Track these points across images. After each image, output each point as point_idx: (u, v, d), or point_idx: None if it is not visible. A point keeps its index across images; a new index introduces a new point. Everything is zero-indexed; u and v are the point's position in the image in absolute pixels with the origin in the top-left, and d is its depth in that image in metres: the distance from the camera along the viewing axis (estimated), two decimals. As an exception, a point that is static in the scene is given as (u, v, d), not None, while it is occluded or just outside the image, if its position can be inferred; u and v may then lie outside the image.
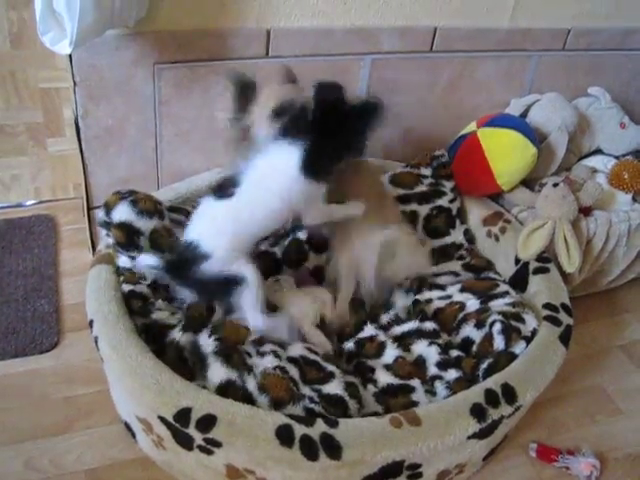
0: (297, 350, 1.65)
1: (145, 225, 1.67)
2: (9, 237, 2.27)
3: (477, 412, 1.47)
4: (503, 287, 1.91)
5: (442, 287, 1.94)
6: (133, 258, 1.66)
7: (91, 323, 1.55)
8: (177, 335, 1.57)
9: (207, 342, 1.55)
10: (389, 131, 2.27)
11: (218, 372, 1.49)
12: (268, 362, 1.55)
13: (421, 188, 2.12)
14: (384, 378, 1.65)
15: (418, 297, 1.90)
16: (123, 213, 1.64)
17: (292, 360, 1.59)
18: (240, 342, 1.59)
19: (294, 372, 1.55)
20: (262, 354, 1.58)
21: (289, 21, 1.92)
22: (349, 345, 1.75)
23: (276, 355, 1.58)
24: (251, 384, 1.49)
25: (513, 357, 1.65)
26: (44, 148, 2.45)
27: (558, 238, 1.95)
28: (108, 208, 1.66)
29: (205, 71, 1.91)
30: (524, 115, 2.31)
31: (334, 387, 1.55)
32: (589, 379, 2.08)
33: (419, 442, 1.40)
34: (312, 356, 1.64)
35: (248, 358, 1.56)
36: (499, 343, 1.69)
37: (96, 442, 1.68)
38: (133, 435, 1.68)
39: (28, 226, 2.33)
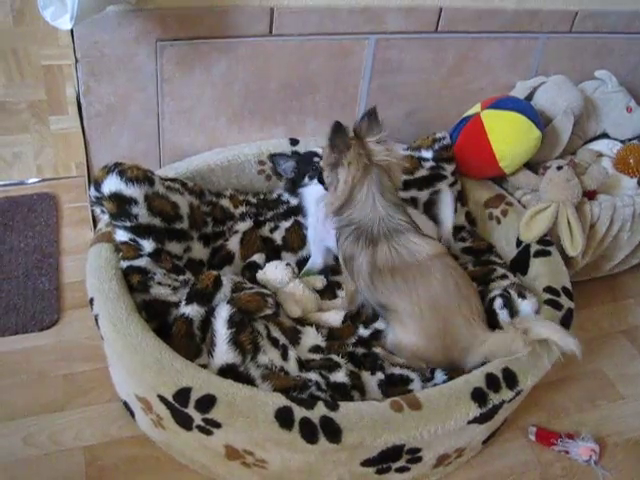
0: (309, 340, 1.69)
1: (136, 192, 1.64)
2: (11, 214, 2.26)
3: (478, 397, 1.46)
4: (500, 271, 1.91)
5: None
6: (129, 229, 1.65)
7: (91, 301, 1.55)
8: (186, 309, 1.56)
9: (223, 309, 1.54)
10: (393, 111, 2.26)
11: (223, 354, 1.49)
12: (275, 356, 1.56)
13: (421, 173, 2.11)
14: (390, 368, 1.66)
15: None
16: (112, 184, 1.62)
17: (299, 361, 1.61)
18: (258, 311, 1.60)
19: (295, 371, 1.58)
20: (273, 341, 1.60)
21: (293, -1, 1.90)
22: (364, 332, 1.77)
23: (284, 350, 1.60)
24: (254, 372, 1.49)
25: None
26: (46, 126, 2.45)
27: (561, 221, 1.94)
28: (97, 183, 1.64)
29: (207, 48, 1.89)
30: (529, 98, 2.29)
31: (340, 376, 1.56)
32: (591, 364, 2.07)
33: (419, 426, 1.40)
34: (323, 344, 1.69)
35: (260, 338, 1.56)
36: (504, 317, 1.69)
37: (95, 419, 1.69)
38: (132, 415, 1.68)
39: (30, 204, 2.33)
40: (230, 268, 1.86)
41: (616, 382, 2.03)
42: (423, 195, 2.09)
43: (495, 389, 1.49)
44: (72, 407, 1.71)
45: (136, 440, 1.65)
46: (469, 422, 1.46)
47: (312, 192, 1.96)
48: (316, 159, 1.98)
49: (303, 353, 1.65)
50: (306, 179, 2.00)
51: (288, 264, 1.81)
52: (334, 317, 1.77)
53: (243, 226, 1.93)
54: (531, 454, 1.78)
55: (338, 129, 1.60)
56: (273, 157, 2.10)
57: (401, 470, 1.55)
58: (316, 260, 1.93)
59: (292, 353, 1.60)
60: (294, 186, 2.05)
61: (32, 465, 1.57)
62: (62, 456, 1.60)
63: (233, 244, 1.89)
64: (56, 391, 1.74)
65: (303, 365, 1.60)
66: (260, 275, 1.79)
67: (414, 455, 1.50)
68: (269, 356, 1.54)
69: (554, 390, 1.95)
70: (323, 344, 1.70)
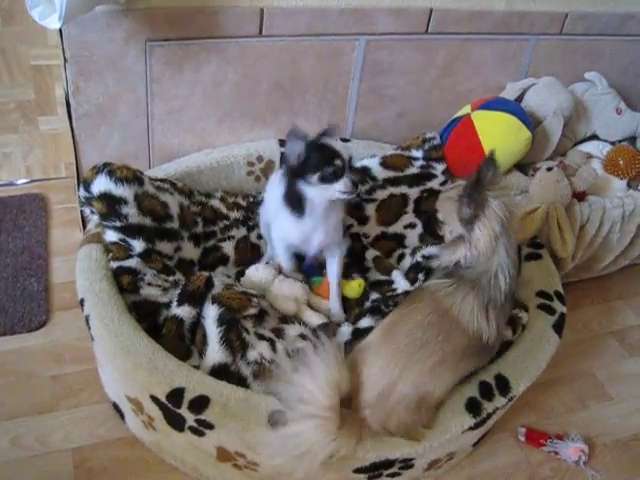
0: (294, 331, 1.67)
1: (125, 192, 1.65)
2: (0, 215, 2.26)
3: (472, 407, 1.47)
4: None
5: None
6: (119, 229, 1.65)
7: (82, 302, 1.54)
8: (177, 311, 1.56)
9: (210, 309, 1.54)
10: (383, 113, 2.26)
11: (215, 354, 1.49)
12: (264, 349, 1.55)
13: (412, 170, 2.10)
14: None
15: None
16: (101, 184, 1.63)
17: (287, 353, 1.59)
18: (242, 309, 1.58)
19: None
20: (260, 336, 1.59)
21: (283, -1, 1.90)
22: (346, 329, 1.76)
23: (272, 343, 1.58)
24: (245, 370, 1.49)
25: (507, 345, 1.64)
26: (35, 126, 2.45)
27: (551, 223, 1.94)
28: (87, 183, 1.65)
29: (197, 49, 1.89)
30: (519, 99, 2.29)
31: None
32: (580, 365, 2.08)
33: (415, 445, 1.41)
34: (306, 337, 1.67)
35: (245, 334, 1.56)
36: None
37: (83, 421, 1.68)
38: (122, 416, 1.67)
39: (19, 205, 2.32)
40: (224, 269, 1.86)
41: (605, 383, 2.04)
42: (413, 192, 2.09)
43: (489, 398, 1.49)
44: (61, 408, 1.70)
45: (125, 442, 1.65)
46: (463, 432, 1.46)
47: (318, 195, 1.66)
48: (338, 162, 1.62)
49: (290, 343, 1.63)
50: (315, 178, 1.62)
51: (267, 263, 1.81)
52: (316, 320, 1.76)
53: (237, 233, 1.95)
54: (520, 455, 1.78)
55: (479, 182, 1.49)
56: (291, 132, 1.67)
57: (392, 475, 1.55)
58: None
59: (280, 346, 1.59)
60: (292, 176, 1.67)
61: (20, 467, 1.56)
62: (50, 458, 1.59)
63: (229, 248, 1.90)
64: (45, 392, 1.73)
65: (291, 357, 1.59)
66: (244, 281, 1.79)
67: (406, 463, 1.51)
68: (258, 350, 1.54)
69: (544, 391, 1.95)
70: (307, 332, 1.69)
